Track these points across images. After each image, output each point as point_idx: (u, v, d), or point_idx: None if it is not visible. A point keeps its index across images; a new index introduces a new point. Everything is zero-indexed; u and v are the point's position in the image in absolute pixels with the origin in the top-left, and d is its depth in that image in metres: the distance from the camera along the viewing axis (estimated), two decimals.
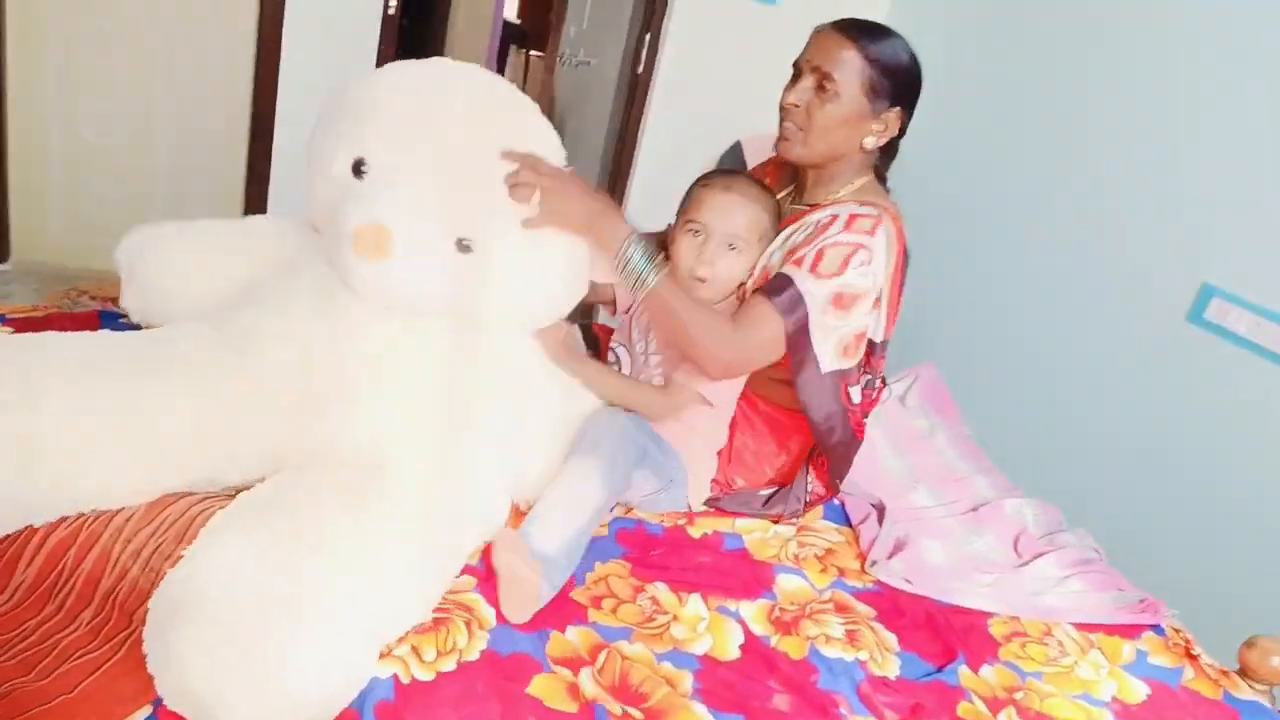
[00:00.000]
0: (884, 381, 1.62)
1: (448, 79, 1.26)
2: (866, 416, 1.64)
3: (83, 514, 1.12)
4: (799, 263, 1.46)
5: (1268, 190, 2.15)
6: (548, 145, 1.34)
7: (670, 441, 1.51)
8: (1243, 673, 1.47)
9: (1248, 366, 2.15)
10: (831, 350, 1.48)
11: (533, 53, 8.31)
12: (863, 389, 1.59)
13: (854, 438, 1.59)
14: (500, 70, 8.50)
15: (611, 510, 1.44)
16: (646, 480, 1.47)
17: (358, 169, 1.22)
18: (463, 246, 1.25)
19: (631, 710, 1.12)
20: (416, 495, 1.16)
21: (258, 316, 1.21)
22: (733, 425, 1.63)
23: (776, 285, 1.45)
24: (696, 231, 1.50)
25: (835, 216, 1.49)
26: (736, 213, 1.50)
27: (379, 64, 3.19)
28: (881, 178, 1.62)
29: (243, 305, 1.25)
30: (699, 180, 1.56)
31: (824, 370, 1.48)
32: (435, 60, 1.27)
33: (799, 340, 1.46)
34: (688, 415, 1.54)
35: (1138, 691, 1.41)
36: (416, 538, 1.12)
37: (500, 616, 1.22)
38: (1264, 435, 2.12)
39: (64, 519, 1.11)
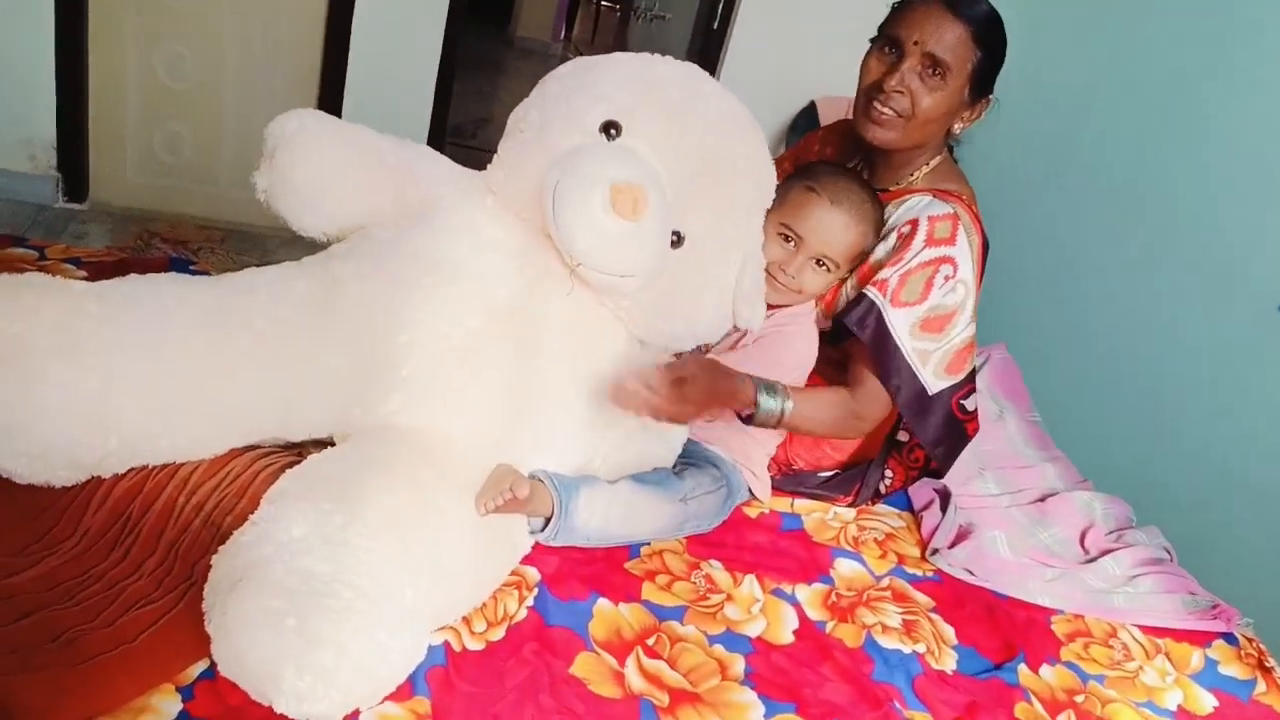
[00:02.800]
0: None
1: (706, 86, 1.30)
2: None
3: (149, 466, 1.13)
4: (883, 288, 1.40)
5: None
6: (768, 176, 1.35)
7: (723, 447, 1.46)
8: None
9: None
10: (933, 372, 1.42)
11: (604, 3, 8.21)
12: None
13: (967, 438, 1.52)
14: (570, 21, 8.40)
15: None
16: (699, 482, 1.40)
17: (609, 130, 1.21)
18: (676, 239, 1.25)
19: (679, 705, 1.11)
20: (478, 480, 1.15)
21: (348, 277, 1.19)
22: None
23: (867, 332, 1.40)
24: (788, 238, 1.42)
25: (914, 224, 1.41)
26: (838, 234, 1.40)
27: (451, 16, 3.16)
28: (952, 152, 1.54)
29: (344, 254, 1.23)
30: (805, 179, 1.43)
31: (933, 393, 1.43)
32: (694, 67, 1.32)
33: (888, 363, 1.40)
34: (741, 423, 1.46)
35: (1205, 703, 1.36)
36: (476, 522, 1.11)
37: (545, 579, 1.21)
38: None
39: (131, 469, 1.13)
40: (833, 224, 1.39)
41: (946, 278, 1.39)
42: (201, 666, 0.97)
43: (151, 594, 1.02)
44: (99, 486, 1.11)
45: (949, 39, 1.35)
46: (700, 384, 1.29)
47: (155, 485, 1.12)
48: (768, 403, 1.37)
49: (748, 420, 1.38)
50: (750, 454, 1.50)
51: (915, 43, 1.36)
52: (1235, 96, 2.35)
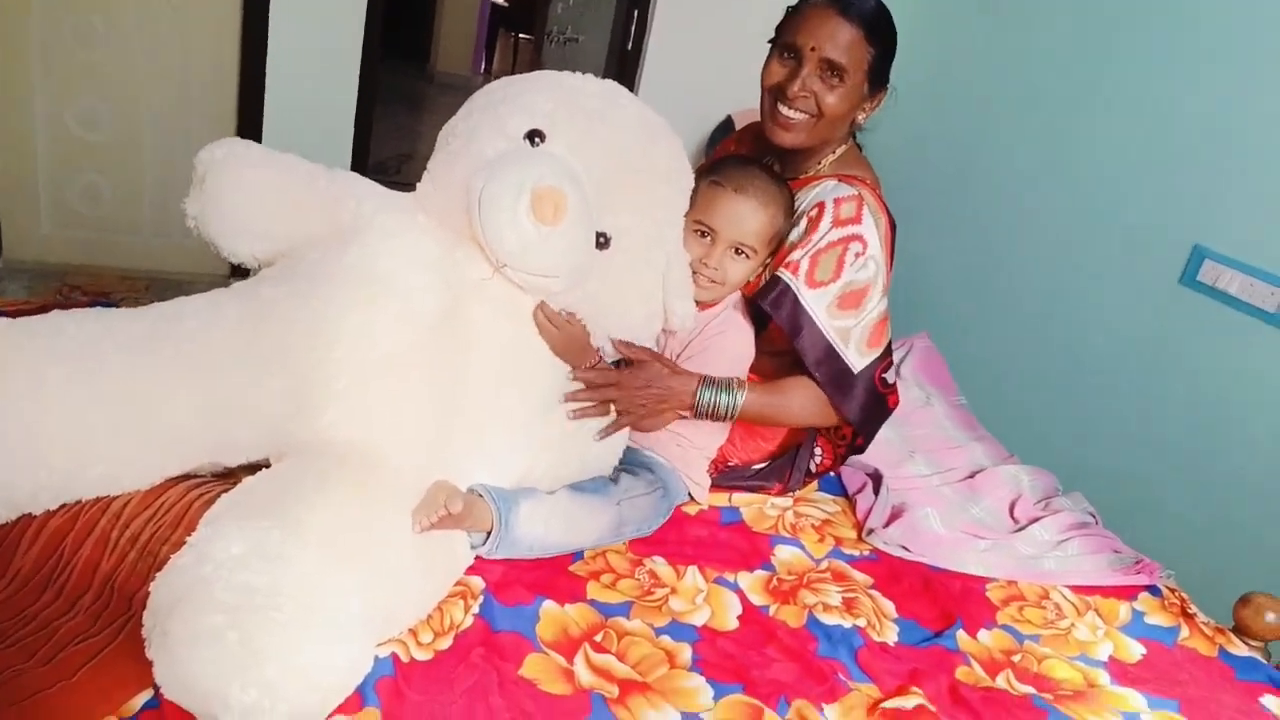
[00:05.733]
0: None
1: (623, 97, 1.36)
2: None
3: (81, 501, 1.12)
4: (794, 269, 1.44)
5: (1258, 152, 2.14)
6: (685, 177, 1.41)
7: (662, 452, 1.49)
8: (1238, 630, 1.48)
9: (1240, 327, 2.15)
10: (855, 349, 1.47)
11: (521, 36, 8.28)
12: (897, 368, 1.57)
13: (888, 410, 1.56)
14: (489, 53, 8.45)
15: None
16: (633, 485, 1.42)
17: (533, 137, 1.25)
18: (600, 241, 1.28)
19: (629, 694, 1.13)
20: (417, 491, 1.16)
21: (279, 297, 1.19)
22: None
23: (782, 313, 1.44)
24: (703, 233, 1.45)
25: (821, 206, 1.46)
26: (747, 220, 1.43)
27: (365, 53, 3.17)
28: (856, 140, 1.60)
29: (274, 278, 1.23)
30: (711, 175, 1.47)
31: (857, 371, 1.47)
32: (612, 82, 1.37)
33: (807, 344, 1.44)
34: (680, 429, 1.50)
35: (1134, 651, 1.42)
36: (416, 534, 1.12)
37: (490, 586, 1.22)
38: (1256, 396, 2.12)
39: (63, 505, 1.11)
40: (741, 211, 1.43)
41: (857, 254, 1.45)
42: (145, 697, 0.96)
43: (89, 630, 1.01)
44: (29, 526, 1.09)
45: (843, 42, 1.42)
46: (644, 372, 1.37)
47: (87, 520, 1.10)
48: (708, 396, 1.43)
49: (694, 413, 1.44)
50: (689, 459, 1.53)
51: (812, 49, 1.42)
52: (1127, 90, 2.48)
